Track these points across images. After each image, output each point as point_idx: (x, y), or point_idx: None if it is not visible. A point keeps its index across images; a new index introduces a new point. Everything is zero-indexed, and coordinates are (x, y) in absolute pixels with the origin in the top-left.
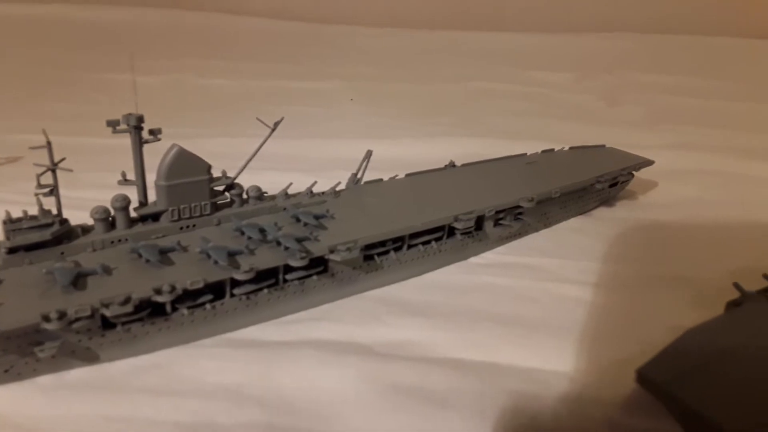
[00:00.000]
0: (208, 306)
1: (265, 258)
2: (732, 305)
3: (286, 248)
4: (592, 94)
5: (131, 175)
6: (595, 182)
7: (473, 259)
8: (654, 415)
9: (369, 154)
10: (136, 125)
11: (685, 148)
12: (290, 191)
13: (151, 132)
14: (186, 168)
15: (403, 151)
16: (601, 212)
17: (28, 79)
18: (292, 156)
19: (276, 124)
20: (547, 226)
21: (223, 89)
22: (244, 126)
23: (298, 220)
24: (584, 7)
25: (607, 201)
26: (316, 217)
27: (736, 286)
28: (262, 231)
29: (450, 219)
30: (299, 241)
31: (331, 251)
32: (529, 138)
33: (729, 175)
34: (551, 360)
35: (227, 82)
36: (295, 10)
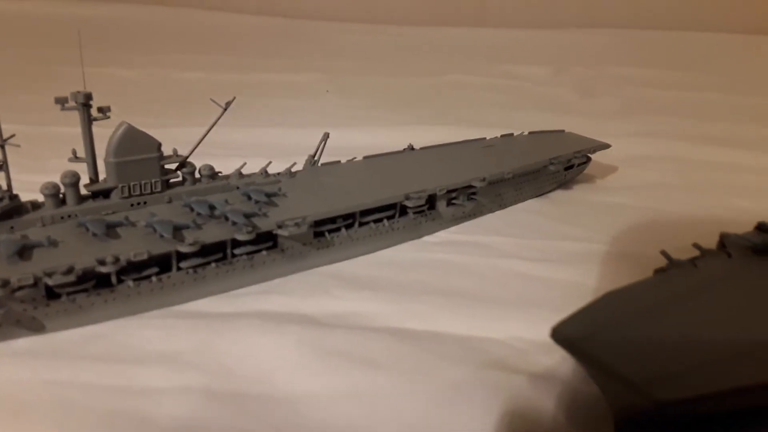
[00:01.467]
0: (154, 279)
1: (212, 232)
2: (658, 272)
3: (234, 223)
4: (569, 87)
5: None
6: (548, 164)
7: (427, 238)
8: (572, 372)
9: (326, 136)
10: (84, 102)
11: (650, 136)
12: (246, 172)
13: (100, 110)
14: (135, 145)
15: (375, 139)
16: (558, 195)
17: (5, 75)
18: (265, 143)
19: (228, 104)
20: (502, 207)
21: (201, 82)
22: (223, 117)
23: (249, 197)
24: (565, 4)
25: (565, 184)
26: (268, 195)
27: (663, 254)
28: (211, 207)
29: (401, 197)
30: (247, 216)
31: (279, 226)
32: (500, 127)
33: (688, 161)
34: (490, 328)
35: (205, 76)
36: (277, 7)
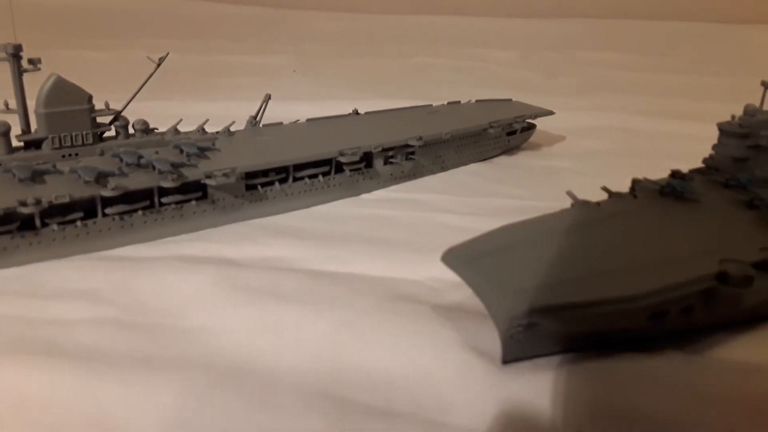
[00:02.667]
0: (79, 223)
1: (137, 179)
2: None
3: (160, 172)
4: (534, 69)
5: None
6: (488, 127)
7: (365, 195)
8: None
9: (267, 97)
10: (13, 53)
11: (602, 110)
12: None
13: (31, 61)
14: (65, 97)
15: (334, 112)
16: (502, 159)
17: None
18: (229, 115)
19: (161, 60)
20: (444, 169)
21: (171, 63)
22: (186, 92)
23: (181, 151)
24: None
25: (510, 150)
26: (201, 149)
27: (569, 193)
28: (140, 157)
29: (335, 153)
30: (175, 166)
31: (208, 177)
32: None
33: (633, 131)
34: (408, 271)
35: (176, 57)
36: None
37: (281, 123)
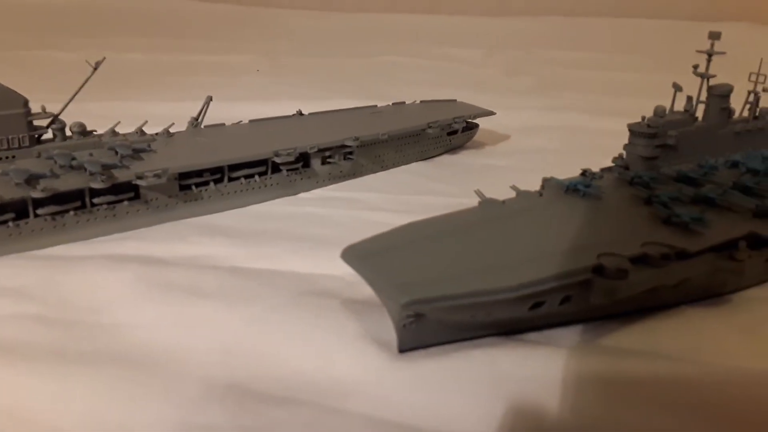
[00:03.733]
0: (11, 224)
1: (68, 181)
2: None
3: (92, 173)
4: (497, 68)
5: None
6: (426, 128)
7: (303, 194)
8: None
9: (209, 99)
10: None
11: (552, 109)
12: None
13: None
14: (0, 101)
15: (291, 112)
16: (444, 158)
17: None
18: (187, 115)
19: (98, 64)
20: (384, 168)
21: (138, 63)
22: (148, 91)
23: (116, 152)
24: None
25: (453, 149)
26: (136, 150)
27: (477, 192)
28: (73, 159)
29: (270, 154)
30: (106, 167)
31: (139, 177)
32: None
33: (578, 129)
34: (330, 267)
35: (143, 56)
36: None
37: (223, 124)
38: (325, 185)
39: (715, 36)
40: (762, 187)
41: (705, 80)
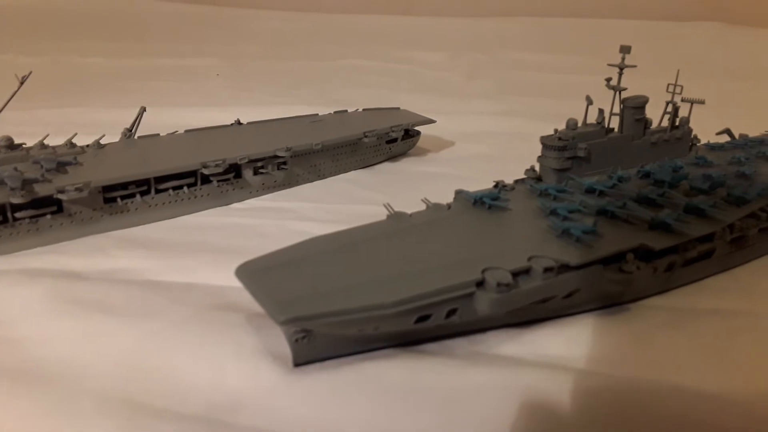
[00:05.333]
0: None
1: None
2: None
3: (12, 188)
4: (459, 71)
5: None
6: (362, 137)
7: (235, 205)
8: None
9: (142, 110)
10: None
11: (503, 114)
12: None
13: None
14: None
15: (249, 118)
16: (384, 166)
17: None
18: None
19: (24, 79)
20: (321, 177)
21: (101, 67)
22: (109, 98)
23: (41, 166)
24: None
25: (395, 157)
26: (61, 164)
27: (386, 206)
28: None
29: (198, 165)
30: (28, 182)
31: (60, 191)
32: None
33: (523, 135)
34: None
35: (106, 61)
36: None
37: (158, 134)
38: (259, 195)
39: (625, 50)
40: (667, 198)
41: (617, 93)
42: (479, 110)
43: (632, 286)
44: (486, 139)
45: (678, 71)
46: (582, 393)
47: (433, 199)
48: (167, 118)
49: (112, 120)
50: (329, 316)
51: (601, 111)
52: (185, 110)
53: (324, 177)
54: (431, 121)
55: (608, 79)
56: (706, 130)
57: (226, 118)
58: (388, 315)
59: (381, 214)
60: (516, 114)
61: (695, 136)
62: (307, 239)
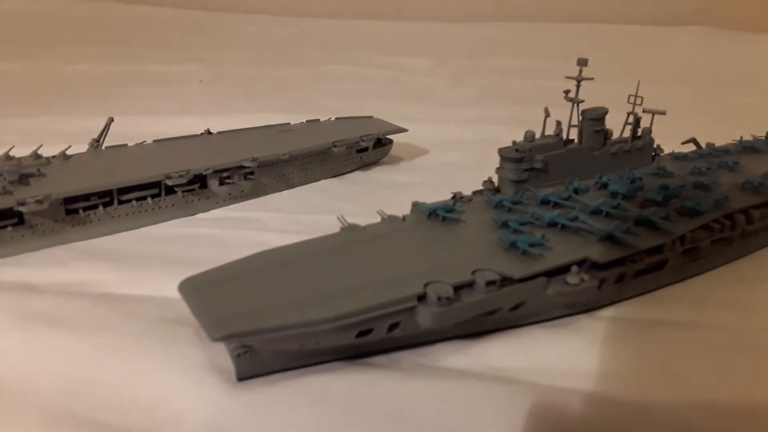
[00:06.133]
0: None
1: None
2: None
3: None
4: (443, 78)
5: None
6: (331, 146)
7: (201, 215)
8: None
9: (110, 120)
10: None
11: (479, 121)
12: None
13: None
14: None
15: (227, 127)
16: (355, 175)
17: None
18: (120, 132)
19: None
20: (290, 186)
21: (84, 74)
22: (89, 106)
23: (4, 178)
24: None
25: (367, 165)
26: (24, 175)
27: (339, 218)
28: None
29: (161, 176)
30: None
31: (21, 204)
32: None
33: (499, 143)
34: None
35: (89, 67)
36: None
37: (125, 145)
38: (226, 205)
39: (582, 62)
40: (620, 209)
41: (575, 105)
42: (458, 118)
43: (580, 298)
44: (460, 147)
45: (639, 82)
46: (525, 405)
47: (401, 209)
48: (145, 127)
49: (92, 128)
50: (265, 333)
51: (558, 123)
52: (163, 118)
53: (293, 186)
54: (403, 130)
55: (567, 92)
56: (682, 137)
57: (203, 126)
58: (327, 330)
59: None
60: (494, 121)
61: (658, 146)
62: (256, 253)
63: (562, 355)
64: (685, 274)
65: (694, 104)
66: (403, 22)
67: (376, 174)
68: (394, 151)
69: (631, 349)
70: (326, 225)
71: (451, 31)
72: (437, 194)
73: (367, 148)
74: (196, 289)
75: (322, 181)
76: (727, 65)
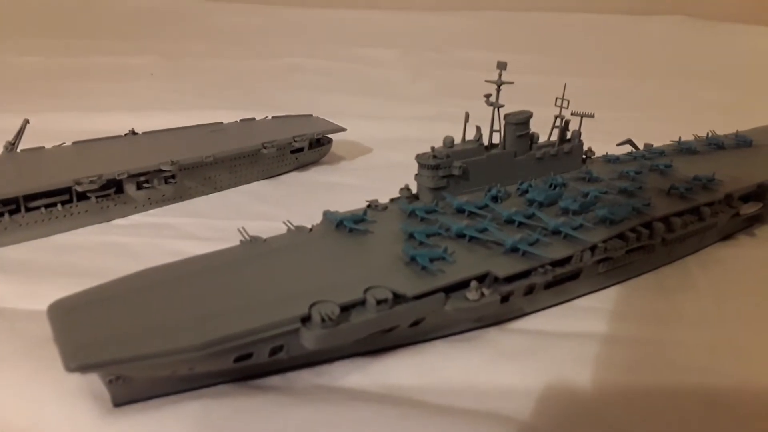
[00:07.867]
0: None
1: None
2: None
3: None
4: (406, 71)
5: None
6: (260, 148)
7: (118, 221)
8: None
9: (25, 122)
10: None
11: (430, 119)
12: None
13: None
14: None
15: (171, 124)
16: (291, 176)
17: None
18: (55, 129)
19: None
20: (218, 189)
21: (38, 66)
22: (38, 101)
23: None
24: None
25: (306, 165)
26: None
27: (240, 230)
28: None
29: (70, 182)
30: None
31: None
32: (298, 111)
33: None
34: None
35: (44, 59)
36: None
37: (42, 147)
38: (146, 210)
39: (502, 66)
40: (534, 219)
41: (496, 109)
42: (412, 114)
43: (481, 313)
44: (406, 145)
45: (565, 85)
46: (416, 426)
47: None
48: (83, 124)
49: (36, 125)
50: (125, 362)
51: (478, 128)
52: (106, 115)
53: (221, 189)
54: (342, 129)
55: (487, 96)
56: (634, 136)
57: (145, 124)
58: (198, 357)
59: (275, 230)
60: (448, 118)
61: (589, 149)
62: (138, 271)
63: (463, 372)
64: (605, 283)
65: (657, 99)
66: (372, 11)
67: (312, 175)
68: (336, 150)
69: (537, 364)
70: (253, 231)
71: (422, 21)
72: (374, 196)
73: (302, 148)
74: (65, 313)
75: (254, 183)
76: (698, 57)
